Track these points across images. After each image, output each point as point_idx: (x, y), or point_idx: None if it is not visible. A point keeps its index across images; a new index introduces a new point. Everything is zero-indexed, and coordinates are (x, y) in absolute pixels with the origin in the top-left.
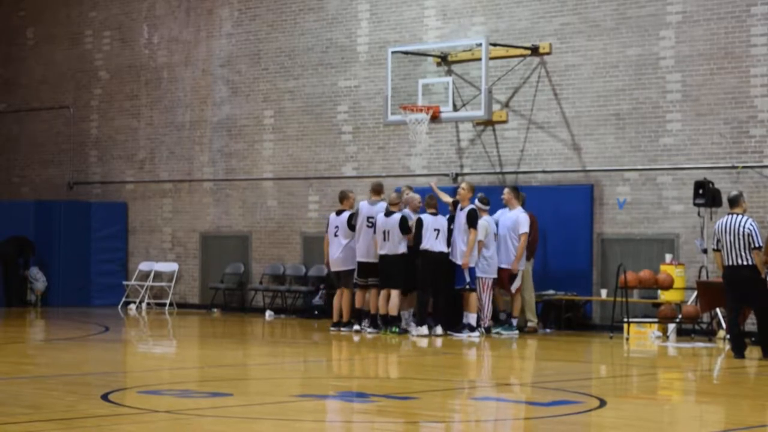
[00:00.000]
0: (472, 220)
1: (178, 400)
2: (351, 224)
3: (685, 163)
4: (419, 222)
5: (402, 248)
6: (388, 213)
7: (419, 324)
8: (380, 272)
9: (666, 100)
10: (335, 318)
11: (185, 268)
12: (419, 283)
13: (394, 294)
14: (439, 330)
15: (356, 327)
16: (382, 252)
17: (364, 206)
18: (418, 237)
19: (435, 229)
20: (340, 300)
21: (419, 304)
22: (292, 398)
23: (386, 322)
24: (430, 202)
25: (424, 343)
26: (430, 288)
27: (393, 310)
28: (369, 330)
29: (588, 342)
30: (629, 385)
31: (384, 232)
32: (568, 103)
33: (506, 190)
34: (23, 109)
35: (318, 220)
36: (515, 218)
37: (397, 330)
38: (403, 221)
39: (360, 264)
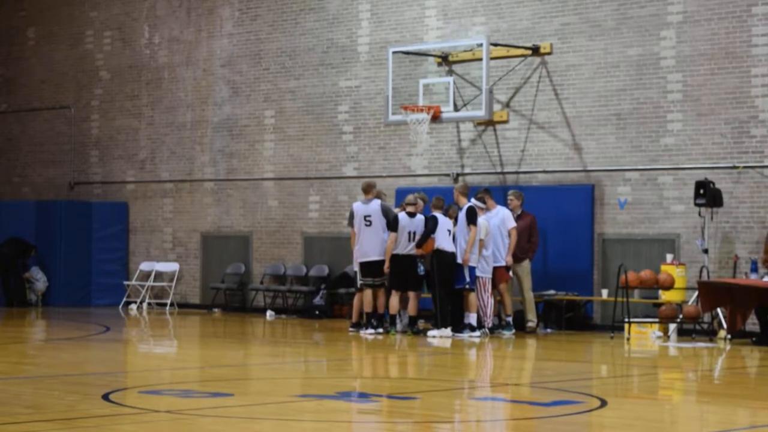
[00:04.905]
0: (472, 216)
1: (178, 400)
2: (350, 223)
3: (685, 163)
4: (434, 220)
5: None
6: (411, 214)
7: (443, 325)
8: (397, 273)
9: (667, 100)
10: (356, 318)
11: (186, 268)
12: (436, 283)
13: (413, 295)
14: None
15: (370, 330)
16: (403, 252)
17: (358, 206)
18: (426, 236)
19: (447, 230)
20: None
21: (440, 304)
22: (293, 398)
23: (411, 323)
24: (437, 203)
25: (425, 343)
26: (443, 288)
27: (413, 311)
28: (378, 331)
29: (589, 342)
30: (630, 385)
31: (409, 233)
32: (569, 103)
33: (481, 193)
34: (24, 109)
35: (318, 220)
36: (501, 216)
37: (417, 330)
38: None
39: (364, 264)
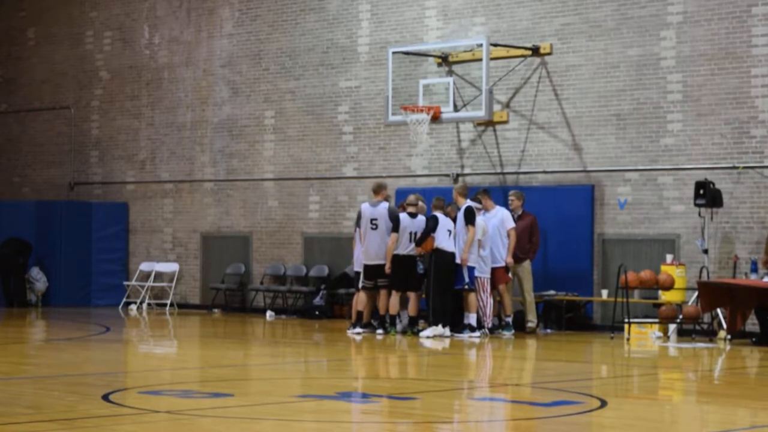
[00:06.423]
0: (470, 217)
1: (178, 400)
2: (357, 224)
3: (685, 164)
4: (435, 220)
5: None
6: (412, 215)
7: (435, 323)
8: (397, 273)
9: (667, 100)
10: (355, 318)
11: (186, 268)
12: (432, 282)
13: (413, 296)
14: (446, 331)
15: (358, 329)
16: (404, 252)
17: (366, 208)
18: (426, 235)
19: (447, 230)
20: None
21: (440, 303)
22: (293, 398)
23: (411, 324)
24: (437, 203)
25: (425, 343)
26: (439, 286)
27: (413, 311)
28: (379, 332)
29: (589, 342)
30: (630, 386)
31: (411, 234)
32: (569, 103)
33: (480, 194)
34: (24, 109)
35: (318, 220)
36: (501, 216)
37: (417, 331)
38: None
39: (368, 266)
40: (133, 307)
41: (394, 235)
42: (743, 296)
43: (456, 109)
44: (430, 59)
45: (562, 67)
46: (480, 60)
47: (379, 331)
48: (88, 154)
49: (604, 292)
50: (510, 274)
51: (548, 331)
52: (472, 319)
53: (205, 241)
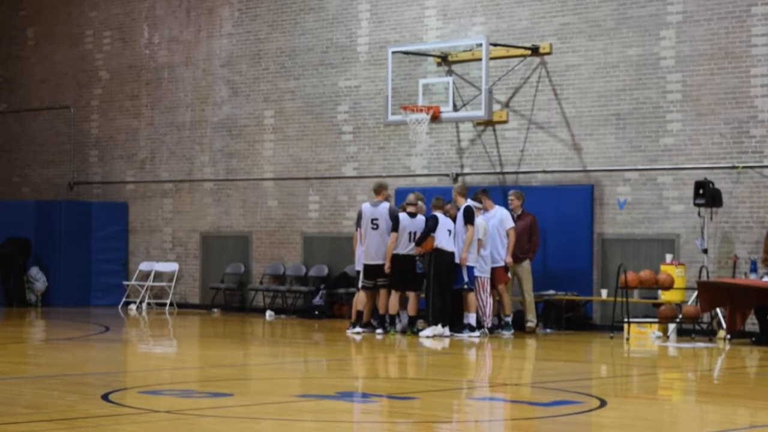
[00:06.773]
0: (469, 216)
1: (178, 400)
2: (358, 224)
3: (685, 163)
4: (435, 219)
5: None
6: (411, 215)
7: (435, 323)
8: (397, 272)
9: (666, 100)
10: (356, 318)
11: (185, 268)
12: (431, 281)
13: (412, 296)
14: (446, 331)
15: (358, 329)
16: (403, 252)
17: (367, 208)
18: (426, 234)
19: (447, 229)
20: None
21: (440, 303)
22: (293, 398)
23: (410, 323)
24: (436, 203)
25: (425, 343)
26: (438, 286)
27: (412, 311)
28: (378, 331)
29: (588, 342)
30: (630, 385)
31: (410, 233)
32: (569, 103)
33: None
34: (24, 109)
35: (318, 220)
36: (500, 216)
37: (417, 330)
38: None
39: (368, 266)
40: (133, 306)
41: (393, 234)
42: (743, 296)
43: (455, 108)
44: (430, 59)
45: (562, 67)
46: (479, 60)
47: (379, 330)
48: (87, 154)
49: (604, 292)
50: (509, 274)
51: (548, 330)
52: (471, 318)
53: (205, 240)
